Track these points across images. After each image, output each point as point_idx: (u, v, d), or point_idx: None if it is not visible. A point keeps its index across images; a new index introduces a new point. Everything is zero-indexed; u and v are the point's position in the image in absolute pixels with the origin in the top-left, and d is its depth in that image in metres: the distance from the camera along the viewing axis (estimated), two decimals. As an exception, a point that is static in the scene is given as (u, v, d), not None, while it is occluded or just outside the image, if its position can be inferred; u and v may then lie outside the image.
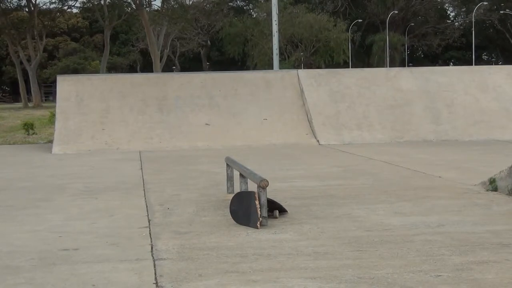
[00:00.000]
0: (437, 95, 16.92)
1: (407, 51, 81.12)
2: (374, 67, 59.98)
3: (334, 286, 4.25)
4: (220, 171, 9.58)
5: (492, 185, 7.80)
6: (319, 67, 62.53)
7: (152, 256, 5.11)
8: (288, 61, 67.66)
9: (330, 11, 75.04)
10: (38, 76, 64.62)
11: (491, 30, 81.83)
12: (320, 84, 17.08)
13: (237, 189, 7.50)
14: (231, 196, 6.88)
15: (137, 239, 5.73)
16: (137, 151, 14.36)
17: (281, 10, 49.77)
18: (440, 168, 10.20)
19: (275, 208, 6.51)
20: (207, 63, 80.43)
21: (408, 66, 66.45)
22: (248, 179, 7.04)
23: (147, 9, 55.32)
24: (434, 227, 5.92)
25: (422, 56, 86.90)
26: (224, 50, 76.29)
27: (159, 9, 58.71)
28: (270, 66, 41.37)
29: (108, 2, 56.62)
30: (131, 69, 75.98)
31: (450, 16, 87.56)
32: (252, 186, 6.96)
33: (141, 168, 11.26)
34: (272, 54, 24.51)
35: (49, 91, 75.07)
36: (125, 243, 5.60)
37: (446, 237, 5.53)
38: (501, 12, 73.55)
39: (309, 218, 6.47)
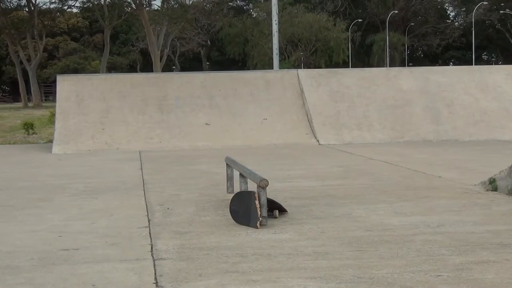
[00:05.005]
0: (437, 95, 16.92)
1: (407, 51, 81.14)
2: (374, 67, 59.97)
3: (334, 286, 4.25)
4: (220, 171, 9.58)
5: (492, 185, 7.80)
6: (319, 66, 62.55)
7: (152, 256, 5.11)
8: (288, 61, 67.72)
9: (330, 10, 75.11)
10: (38, 76, 64.63)
11: (491, 30, 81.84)
12: (320, 84, 17.08)
13: (237, 189, 7.49)
14: (231, 196, 6.88)
15: (137, 239, 5.73)
16: (137, 151, 14.36)
17: (280, 10, 49.78)
18: (440, 168, 10.20)
19: (275, 208, 6.51)
20: (207, 63, 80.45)
21: (408, 66, 66.48)
22: (248, 179, 7.04)
23: (147, 8, 55.36)
24: (434, 227, 5.92)
25: (422, 56, 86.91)
26: (224, 50, 76.33)
27: (159, 9, 58.73)
28: (270, 66, 41.39)
29: (108, 2, 56.62)
30: (131, 69, 75.99)
31: (450, 16, 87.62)
32: (252, 186, 6.96)
33: (141, 168, 11.25)
34: (272, 54, 24.52)
35: (49, 91, 75.06)
36: (125, 243, 5.60)
37: (446, 237, 5.53)
38: (501, 12, 73.56)
39: (309, 218, 6.47)
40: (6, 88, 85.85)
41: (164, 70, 59.81)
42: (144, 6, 52.66)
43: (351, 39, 74.04)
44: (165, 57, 59.28)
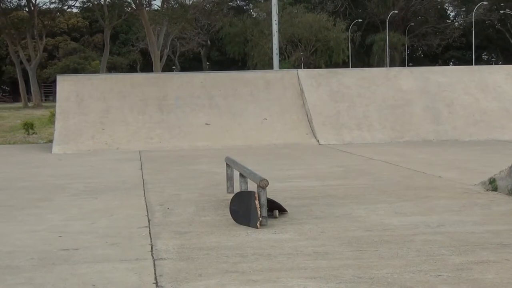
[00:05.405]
0: (437, 95, 16.92)
1: (407, 51, 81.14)
2: (374, 67, 59.96)
3: (334, 286, 4.25)
4: (220, 171, 9.58)
5: (492, 185, 7.80)
6: (319, 66, 62.55)
7: (152, 256, 5.11)
8: (288, 61, 67.71)
9: (330, 10, 75.12)
10: (38, 76, 64.62)
11: (491, 30, 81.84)
12: (320, 84, 17.08)
13: (237, 189, 7.50)
14: (231, 196, 6.88)
15: (137, 239, 5.73)
16: (137, 151, 14.37)
17: (280, 10, 49.79)
18: (440, 168, 10.20)
19: (275, 208, 6.51)
20: (207, 63, 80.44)
21: (408, 66, 66.47)
22: (248, 179, 7.04)
23: (147, 8, 55.35)
24: (434, 227, 5.92)
25: (422, 56, 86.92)
26: (224, 50, 76.34)
27: (159, 8, 58.73)
28: (270, 66, 41.38)
29: (108, 2, 56.62)
30: (131, 69, 75.98)
31: (450, 16, 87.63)
32: (252, 186, 6.96)
33: (141, 168, 11.26)
34: (272, 54, 24.52)
35: (49, 91, 75.06)
36: (125, 243, 5.60)
37: (446, 237, 5.53)
38: (501, 12, 73.56)
39: (309, 218, 6.47)
40: (6, 88, 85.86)
41: (164, 70, 59.80)
42: (144, 6, 52.64)
43: (351, 39, 74.04)
44: (165, 57, 59.27)
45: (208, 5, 62.58)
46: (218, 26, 71.16)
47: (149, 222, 6.48)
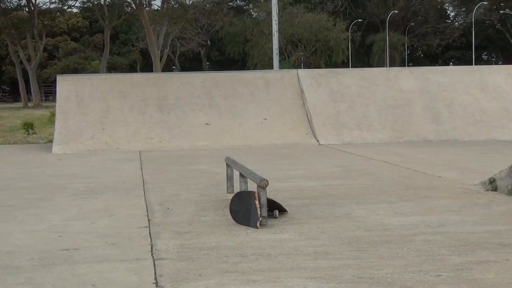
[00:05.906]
0: (437, 95, 16.92)
1: (407, 51, 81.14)
2: (374, 67, 59.92)
3: (334, 286, 4.25)
4: (220, 171, 9.58)
5: (492, 185, 7.80)
6: (319, 66, 62.55)
7: (152, 256, 5.11)
8: (288, 61, 67.69)
9: (330, 10, 75.14)
10: (38, 76, 64.61)
11: (491, 30, 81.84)
12: (320, 84, 17.08)
13: (237, 189, 7.50)
14: (231, 196, 6.88)
15: (137, 239, 5.73)
16: (137, 151, 14.37)
17: (280, 10, 49.79)
18: (440, 168, 10.20)
19: (275, 208, 6.51)
20: (207, 63, 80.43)
21: (408, 66, 66.45)
22: (248, 179, 7.04)
23: (147, 8, 55.34)
24: (434, 227, 5.92)
25: (422, 56, 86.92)
26: (224, 50, 76.33)
27: (159, 8, 58.73)
28: (270, 66, 41.37)
29: (108, 2, 56.62)
30: (131, 69, 75.97)
31: (450, 16, 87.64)
32: (252, 186, 6.96)
33: (141, 168, 11.26)
34: (272, 54, 24.52)
35: (49, 91, 75.05)
36: (125, 243, 5.60)
37: (446, 237, 5.53)
38: (501, 12, 73.57)
39: (309, 218, 6.47)
40: (6, 88, 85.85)
41: (164, 70, 59.80)
42: (144, 6, 52.63)
43: (351, 39, 74.05)
44: (165, 57, 59.27)
45: (208, 5, 62.58)
46: (218, 26, 71.13)
47: (149, 222, 6.48)
